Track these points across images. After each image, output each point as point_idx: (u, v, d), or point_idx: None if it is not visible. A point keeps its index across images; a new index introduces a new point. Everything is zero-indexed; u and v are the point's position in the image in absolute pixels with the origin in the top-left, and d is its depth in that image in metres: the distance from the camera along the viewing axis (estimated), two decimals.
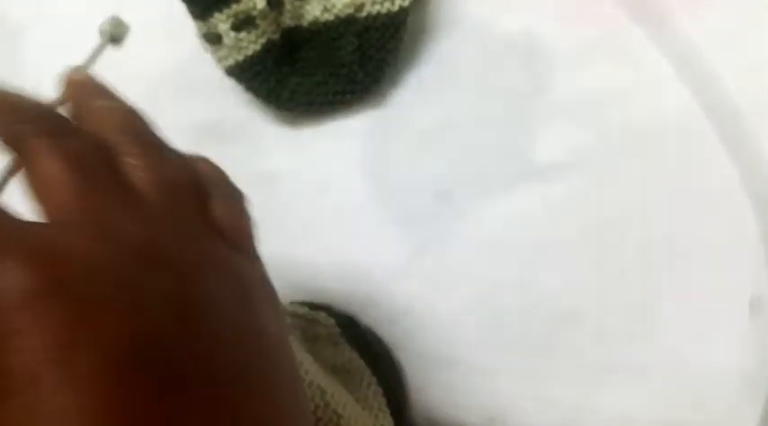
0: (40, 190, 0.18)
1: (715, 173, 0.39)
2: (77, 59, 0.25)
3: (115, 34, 0.27)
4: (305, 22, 0.43)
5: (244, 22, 0.41)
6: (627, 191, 0.39)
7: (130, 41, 0.29)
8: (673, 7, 0.42)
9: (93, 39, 0.26)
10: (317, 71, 0.43)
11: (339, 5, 0.42)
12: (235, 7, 0.41)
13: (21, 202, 0.18)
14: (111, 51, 0.27)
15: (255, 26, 0.41)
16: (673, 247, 0.38)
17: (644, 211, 0.39)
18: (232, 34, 0.41)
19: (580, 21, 0.42)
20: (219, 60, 0.42)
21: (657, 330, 0.37)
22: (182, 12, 0.41)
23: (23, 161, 0.18)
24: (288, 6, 0.42)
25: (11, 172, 0.19)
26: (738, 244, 0.38)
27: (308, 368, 0.27)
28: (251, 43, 0.42)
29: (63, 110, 0.21)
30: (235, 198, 0.22)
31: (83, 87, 0.22)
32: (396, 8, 0.42)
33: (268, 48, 0.42)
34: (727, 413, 0.35)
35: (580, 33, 0.42)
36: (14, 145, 0.19)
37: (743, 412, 0.35)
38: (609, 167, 0.40)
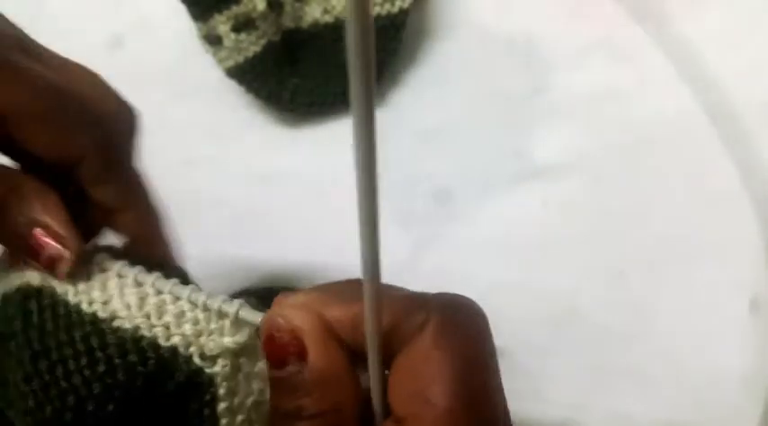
0: None
1: (715, 173, 0.39)
2: (76, 60, 0.25)
3: None
4: (305, 24, 0.43)
5: (244, 24, 0.41)
6: (627, 191, 0.39)
7: (131, 42, 0.29)
8: (673, 7, 0.42)
9: (94, 40, 0.26)
10: (317, 72, 0.43)
11: (339, 7, 0.42)
12: (235, 9, 0.41)
13: None
14: (111, 52, 0.27)
15: (255, 28, 0.41)
16: (672, 247, 0.38)
17: (644, 211, 0.39)
18: (232, 36, 0.41)
19: (580, 21, 0.42)
20: (220, 61, 0.42)
21: (657, 330, 0.37)
22: (182, 12, 0.41)
23: None
24: (288, 8, 0.42)
25: None
26: (738, 245, 0.38)
27: None
28: (251, 45, 0.42)
29: None
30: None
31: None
32: (396, 10, 0.42)
33: (268, 50, 0.42)
34: (727, 414, 0.35)
35: (580, 33, 0.42)
36: None
37: (743, 412, 0.35)
38: (608, 167, 0.40)
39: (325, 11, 0.42)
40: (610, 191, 0.39)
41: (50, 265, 0.23)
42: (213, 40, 0.42)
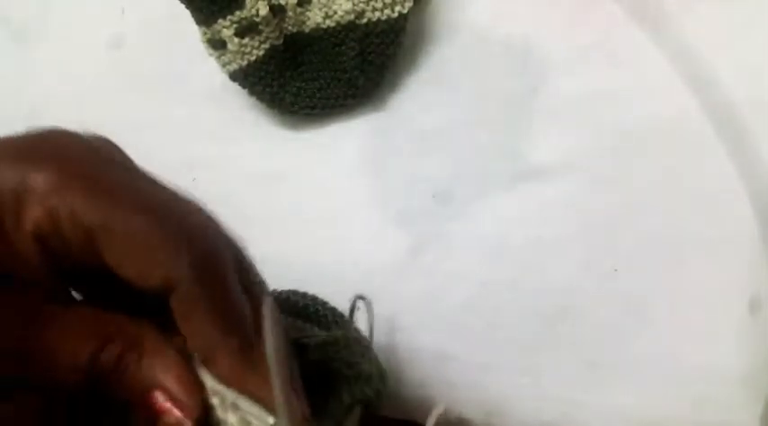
0: None
1: (715, 173, 0.39)
2: (80, 61, 0.26)
3: None
4: (307, 29, 0.43)
5: (247, 29, 0.42)
6: (625, 192, 0.39)
7: (133, 45, 0.30)
8: (672, 7, 0.42)
9: (95, 41, 0.27)
10: (318, 76, 0.44)
11: (340, 12, 0.43)
12: (238, 14, 0.42)
13: None
14: (113, 54, 0.28)
15: (258, 32, 0.42)
16: (672, 247, 0.38)
17: (643, 211, 0.39)
18: (236, 40, 0.42)
19: (579, 22, 0.43)
20: (223, 65, 0.43)
21: (657, 329, 0.37)
22: (185, 15, 0.42)
23: None
24: (290, 13, 0.43)
25: None
26: (738, 244, 0.38)
27: None
28: (254, 49, 0.42)
29: None
30: None
31: None
32: (395, 14, 0.42)
33: (271, 54, 0.43)
34: (726, 413, 0.35)
35: (577, 35, 0.42)
36: None
37: (742, 411, 0.35)
38: (607, 168, 0.40)
39: (327, 15, 0.43)
40: (608, 192, 0.39)
41: None
42: (217, 44, 0.43)
